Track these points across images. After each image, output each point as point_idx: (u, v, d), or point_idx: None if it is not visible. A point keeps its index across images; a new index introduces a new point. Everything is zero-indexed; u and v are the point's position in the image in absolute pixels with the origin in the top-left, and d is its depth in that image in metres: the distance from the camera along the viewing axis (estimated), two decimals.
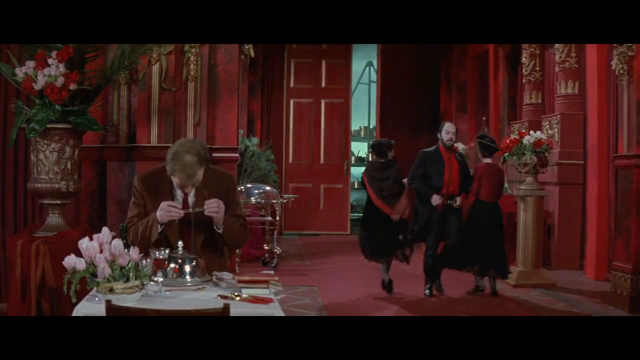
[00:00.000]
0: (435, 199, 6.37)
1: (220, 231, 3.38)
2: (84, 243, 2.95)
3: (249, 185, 8.48)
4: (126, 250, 2.96)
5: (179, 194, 3.44)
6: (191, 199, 3.43)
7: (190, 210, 3.33)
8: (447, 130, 6.43)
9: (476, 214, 6.68)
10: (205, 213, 3.29)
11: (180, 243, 3.23)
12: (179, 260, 3.18)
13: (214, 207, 3.28)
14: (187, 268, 3.17)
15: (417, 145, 12.05)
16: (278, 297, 3.09)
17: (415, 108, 12.14)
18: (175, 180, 3.38)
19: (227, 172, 3.68)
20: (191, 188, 3.40)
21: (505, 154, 7.22)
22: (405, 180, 6.76)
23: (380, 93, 12.15)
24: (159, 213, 3.29)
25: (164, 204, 3.29)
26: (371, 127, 14.03)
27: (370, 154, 7.07)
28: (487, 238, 6.62)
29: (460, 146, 9.86)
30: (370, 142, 9.47)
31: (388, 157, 6.78)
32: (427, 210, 6.50)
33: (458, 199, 6.53)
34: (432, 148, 6.68)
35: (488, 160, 6.81)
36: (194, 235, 3.42)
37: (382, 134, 11.62)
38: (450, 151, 6.54)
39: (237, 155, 5.30)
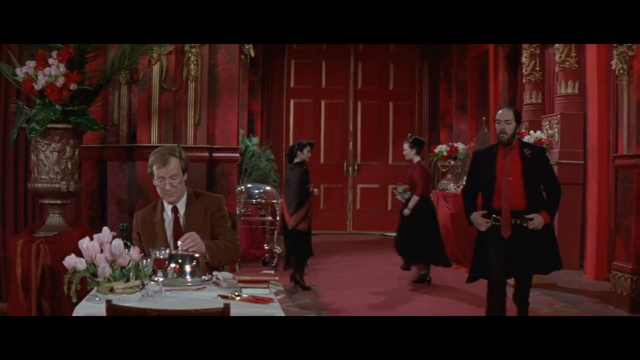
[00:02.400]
0: None
1: (207, 260, 3.40)
2: (84, 243, 2.96)
3: (249, 185, 8.49)
4: (126, 250, 2.97)
5: (169, 217, 3.57)
6: (182, 219, 3.57)
7: (174, 251, 3.30)
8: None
9: (420, 209, 7.10)
10: (184, 250, 3.28)
11: (180, 243, 3.24)
12: (179, 260, 3.17)
13: (189, 244, 3.31)
14: (188, 268, 3.16)
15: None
16: (278, 297, 3.09)
17: (415, 108, 12.13)
18: (157, 187, 3.52)
19: (217, 195, 3.89)
20: (172, 197, 3.53)
21: None
22: (310, 186, 6.84)
23: None
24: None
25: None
26: None
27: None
28: (431, 230, 7.17)
29: (460, 146, 9.88)
30: None
31: (295, 159, 6.84)
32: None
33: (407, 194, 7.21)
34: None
35: (419, 159, 7.28)
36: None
37: None
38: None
39: (237, 155, 5.30)
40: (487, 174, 4.76)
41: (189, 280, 3.14)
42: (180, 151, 3.60)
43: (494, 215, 4.71)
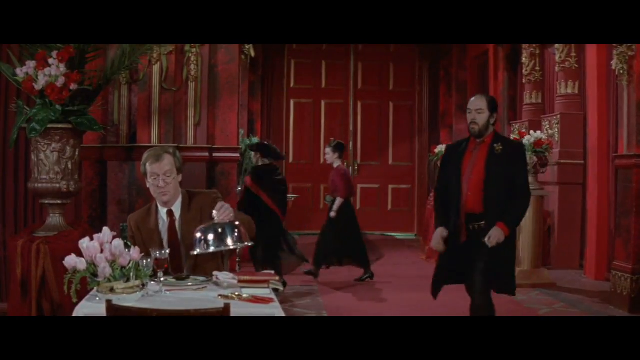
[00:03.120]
0: None
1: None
2: (84, 243, 2.96)
3: None
4: (126, 250, 2.97)
5: (164, 222, 3.49)
6: (178, 224, 3.48)
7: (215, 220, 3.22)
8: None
9: (342, 211, 7.27)
10: (223, 219, 3.22)
11: (215, 212, 3.18)
12: (220, 230, 3.13)
13: (225, 213, 3.22)
14: (229, 236, 3.13)
15: (417, 146, 12.09)
16: (278, 297, 3.09)
17: (415, 108, 12.14)
18: (150, 186, 3.45)
19: (208, 190, 3.84)
20: (166, 196, 3.44)
21: None
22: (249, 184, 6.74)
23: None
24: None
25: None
26: None
27: None
28: (353, 232, 7.36)
29: None
30: None
31: (264, 160, 6.85)
32: None
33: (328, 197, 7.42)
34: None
35: (339, 163, 7.41)
36: (185, 256, 3.44)
37: None
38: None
39: (237, 155, 5.31)
40: (453, 171, 4.18)
41: (189, 280, 3.10)
42: (174, 150, 3.54)
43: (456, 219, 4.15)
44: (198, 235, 3.16)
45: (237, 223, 3.17)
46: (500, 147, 4.09)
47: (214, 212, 3.21)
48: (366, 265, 7.33)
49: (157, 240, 3.45)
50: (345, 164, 11.80)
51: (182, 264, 3.42)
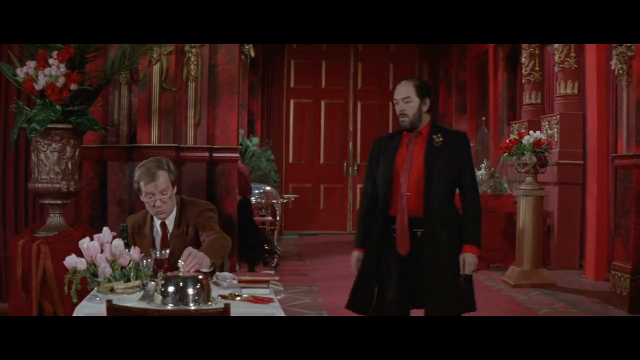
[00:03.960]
0: None
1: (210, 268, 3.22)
2: (84, 243, 2.96)
3: None
4: (127, 250, 2.97)
5: (158, 233, 3.48)
6: (169, 237, 3.47)
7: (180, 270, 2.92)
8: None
9: (245, 210, 7.25)
10: (188, 270, 2.97)
11: (181, 263, 2.95)
12: (181, 284, 2.80)
13: (191, 263, 3.01)
14: (191, 291, 2.79)
15: None
16: (278, 297, 3.09)
17: None
18: (145, 203, 3.43)
19: (197, 201, 3.67)
20: (164, 214, 3.43)
21: (505, 154, 7.23)
22: None
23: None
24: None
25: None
26: None
27: None
28: (250, 230, 7.32)
29: None
30: None
31: None
32: None
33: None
34: None
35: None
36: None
37: None
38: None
39: (237, 155, 5.31)
40: (386, 170, 3.54)
41: (192, 308, 2.75)
42: (168, 163, 3.45)
43: (391, 226, 3.50)
44: (161, 283, 2.82)
45: (200, 277, 2.84)
46: (441, 139, 3.52)
47: (180, 261, 2.93)
48: (260, 254, 7.53)
49: (151, 244, 3.45)
50: (345, 164, 11.88)
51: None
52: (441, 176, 3.46)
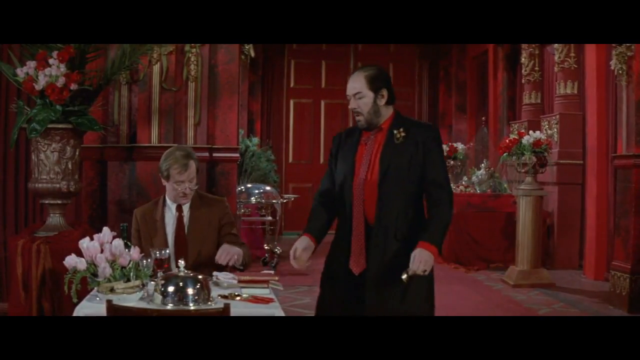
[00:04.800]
0: None
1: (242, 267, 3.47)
2: (84, 243, 2.97)
3: (249, 185, 8.49)
4: (127, 250, 2.97)
5: (170, 219, 3.55)
6: (186, 219, 3.55)
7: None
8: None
9: None
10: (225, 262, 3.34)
11: (181, 262, 2.98)
12: (180, 284, 2.81)
13: (229, 257, 3.34)
14: (191, 291, 2.80)
15: None
16: (278, 297, 3.10)
17: (415, 108, 12.14)
18: (170, 188, 3.51)
19: (220, 197, 3.85)
20: (187, 199, 3.53)
21: (505, 154, 7.24)
22: None
23: None
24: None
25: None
26: None
27: None
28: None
29: (459, 146, 9.87)
30: None
31: None
32: None
33: None
34: None
35: None
36: (190, 251, 3.49)
37: None
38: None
39: (237, 155, 5.31)
40: (341, 172, 3.11)
41: (192, 308, 2.75)
42: (193, 153, 3.61)
43: (347, 238, 3.08)
44: (161, 283, 2.83)
45: (200, 277, 2.85)
46: (402, 134, 3.05)
47: (180, 261, 2.95)
48: None
49: (162, 232, 3.53)
50: None
51: (186, 259, 3.43)
52: (399, 178, 2.99)
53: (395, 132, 3.07)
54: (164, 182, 3.56)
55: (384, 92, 3.10)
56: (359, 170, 3.06)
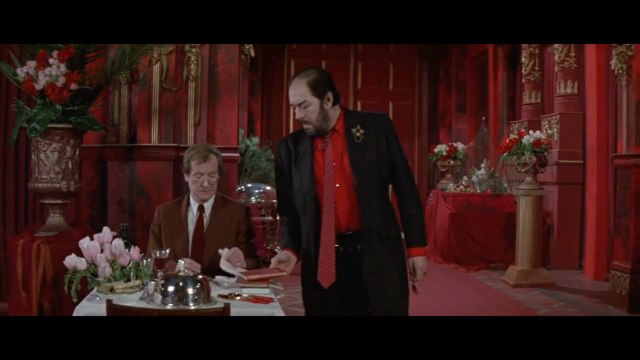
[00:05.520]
0: None
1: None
2: (84, 243, 2.97)
3: (249, 185, 8.50)
4: (127, 249, 2.97)
5: (192, 216, 3.57)
6: (206, 219, 3.57)
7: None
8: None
9: None
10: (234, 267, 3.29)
11: (181, 262, 2.97)
12: (180, 283, 2.80)
13: (234, 256, 3.33)
14: (190, 291, 2.80)
15: (416, 146, 12.09)
16: (278, 297, 3.09)
17: (415, 108, 12.15)
18: (191, 182, 3.54)
19: (241, 203, 3.93)
20: (207, 194, 3.55)
21: (505, 154, 7.24)
22: None
23: None
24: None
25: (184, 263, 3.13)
26: None
27: None
28: None
29: (459, 146, 9.88)
30: None
31: None
32: None
33: None
34: None
35: None
36: (206, 251, 3.51)
37: None
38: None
39: (237, 154, 5.31)
40: (301, 181, 2.97)
41: (192, 308, 2.75)
42: (217, 151, 3.63)
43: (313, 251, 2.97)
44: (161, 283, 2.82)
45: (200, 277, 2.85)
46: (362, 131, 2.95)
47: (180, 261, 2.96)
48: None
49: (184, 230, 3.55)
50: None
51: (202, 258, 3.47)
52: (375, 177, 2.92)
53: (353, 130, 2.95)
54: (186, 178, 3.58)
55: (329, 95, 2.96)
56: (322, 179, 2.92)
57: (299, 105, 2.95)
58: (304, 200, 2.96)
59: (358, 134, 2.94)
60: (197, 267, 3.28)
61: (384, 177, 2.97)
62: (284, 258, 3.05)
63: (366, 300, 2.95)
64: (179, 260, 2.99)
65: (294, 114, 3.08)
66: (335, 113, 3.00)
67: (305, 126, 2.97)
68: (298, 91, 2.96)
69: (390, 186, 3.08)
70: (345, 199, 2.92)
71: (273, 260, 3.07)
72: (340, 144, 2.95)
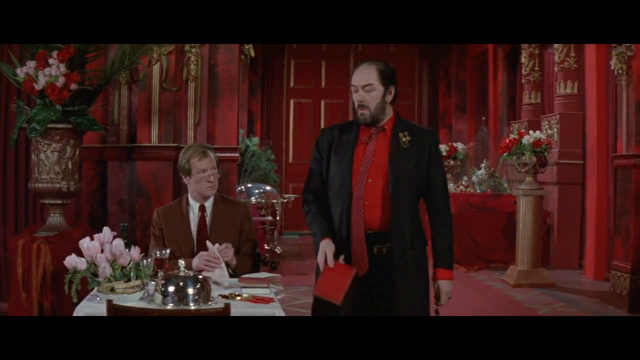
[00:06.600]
0: None
1: (231, 269, 3.46)
2: (85, 243, 2.97)
3: (249, 185, 8.50)
4: (127, 249, 2.97)
5: (194, 216, 3.58)
6: (208, 219, 3.57)
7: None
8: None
9: None
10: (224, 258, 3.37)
11: (181, 262, 2.96)
12: (180, 283, 2.81)
13: (228, 254, 3.39)
14: (190, 291, 2.81)
15: None
16: (278, 297, 3.10)
17: (415, 108, 12.15)
18: (194, 182, 3.54)
19: (242, 202, 3.93)
20: (213, 189, 3.57)
21: (505, 154, 7.24)
22: None
23: None
24: (195, 261, 3.36)
25: (202, 254, 3.36)
26: None
27: None
28: None
29: (459, 146, 9.87)
30: None
31: None
32: None
33: None
34: None
35: None
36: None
37: None
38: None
39: (237, 155, 5.31)
40: (338, 170, 2.94)
41: (192, 308, 2.76)
42: (212, 147, 3.68)
43: (346, 242, 2.92)
44: (161, 283, 2.83)
45: (200, 277, 2.86)
46: (408, 138, 2.94)
47: (180, 261, 2.97)
48: None
49: (187, 231, 3.55)
50: None
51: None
52: (409, 184, 2.90)
53: (400, 135, 2.95)
54: (187, 180, 3.58)
55: (392, 89, 2.99)
56: (358, 171, 2.91)
57: (363, 87, 2.92)
58: (338, 189, 2.92)
59: (404, 139, 2.94)
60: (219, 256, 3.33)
61: (417, 189, 2.94)
62: (333, 248, 2.88)
63: (391, 299, 2.91)
64: (180, 261, 2.99)
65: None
66: (390, 111, 3.01)
67: (360, 111, 2.93)
68: (366, 74, 2.94)
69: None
70: (376, 196, 2.89)
71: (328, 253, 2.86)
72: (385, 143, 2.94)
